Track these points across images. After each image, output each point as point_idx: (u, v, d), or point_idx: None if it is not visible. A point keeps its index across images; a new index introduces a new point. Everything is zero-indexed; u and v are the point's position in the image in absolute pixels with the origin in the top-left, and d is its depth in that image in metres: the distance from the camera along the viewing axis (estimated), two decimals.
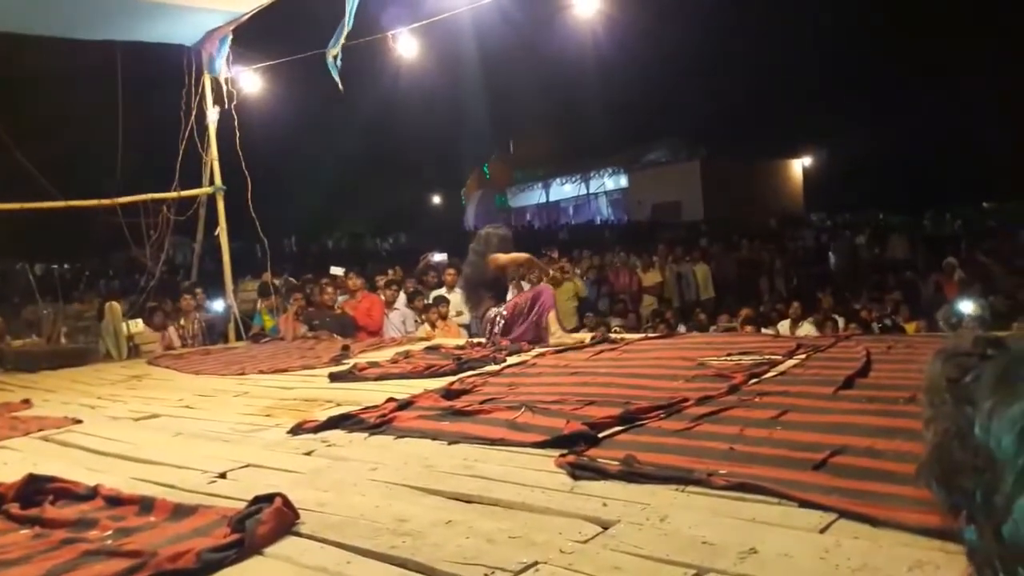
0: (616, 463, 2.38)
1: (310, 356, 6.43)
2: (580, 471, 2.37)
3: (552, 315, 6.03)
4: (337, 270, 9.79)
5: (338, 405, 3.95)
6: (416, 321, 8.84)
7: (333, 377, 5.04)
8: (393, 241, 33.40)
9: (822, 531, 1.80)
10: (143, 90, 9.01)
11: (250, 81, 9.40)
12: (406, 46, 8.58)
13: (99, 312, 8.58)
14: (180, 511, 2.26)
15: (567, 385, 3.91)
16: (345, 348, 6.57)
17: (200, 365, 6.57)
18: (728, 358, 4.26)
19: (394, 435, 3.16)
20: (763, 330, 8.18)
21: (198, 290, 9.66)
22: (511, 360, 5.09)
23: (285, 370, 5.77)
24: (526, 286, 7.42)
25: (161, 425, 3.97)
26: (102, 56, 8.66)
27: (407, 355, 5.66)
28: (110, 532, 2.17)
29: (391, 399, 3.75)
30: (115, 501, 2.42)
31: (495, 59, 27.54)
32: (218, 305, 10.14)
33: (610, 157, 36.49)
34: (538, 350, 5.45)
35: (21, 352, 7.81)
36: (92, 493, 2.49)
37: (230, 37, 8.75)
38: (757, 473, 2.17)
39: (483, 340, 6.22)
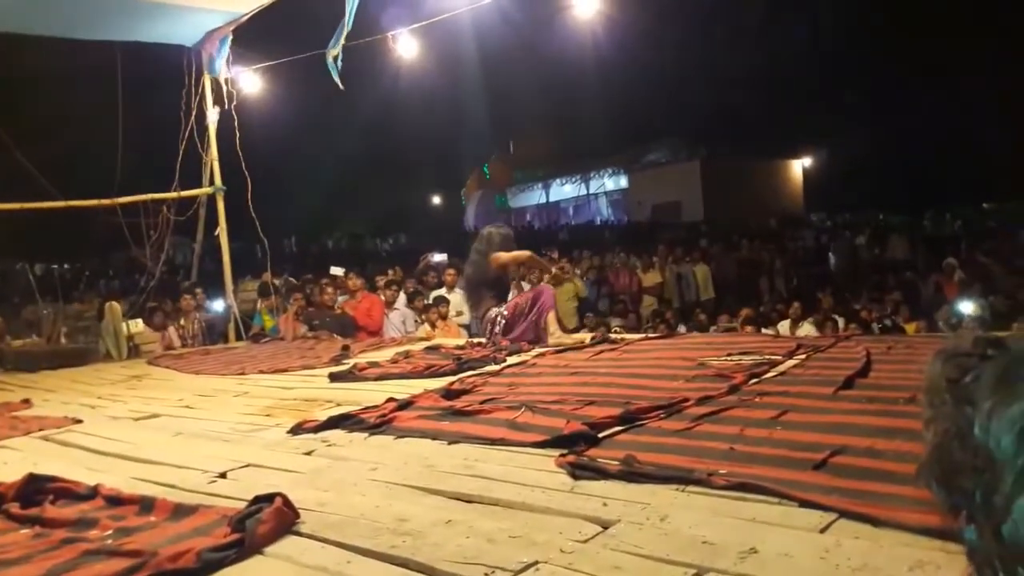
0: (616, 463, 2.38)
1: (310, 356, 6.44)
2: (580, 471, 2.37)
3: (551, 315, 6.03)
4: (337, 270, 9.80)
5: (338, 405, 3.95)
6: (416, 321, 8.84)
7: (333, 377, 5.04)
8: (393, 241, 33.40)
9: (822, 531, 1.80)
10: (143, 90, 9.01)
11: (250, 81, 9.41)
12: (406, 47, 8.59)
13: (99, 312, 8.58)
14: (180, 511, 2.26)
15: (567, 385, 3.91)
16: (345, 348, 6.57)
17: (200, 365, 6.57)
18: (728, 358, 4.26)
19: (394, 435, 3.16)
20: (763, 330, 8.18)
21: (198, 290, 9.67)
22: (511, 360, 5.09)
23: (285, 370, 5.77)
24: (526, 286, 7.43)
25: (161, 425, 3.97)
26: (102, 56, 8.67)
27: (407, 355, 5.66)
28: (110, 532, 2.17)
29: (391, 399, 3.75)
30: (115, 501, 2.42)
31: (495, 59, 27.57)
32: (218, 305, 10.14)
33: (610, 157, 36.51)
34: (538, 350, 5.45)
35: (21, 352, 7.81)
36: (92, 493, 2.49)
37: (230, 37, 8.75)
38: (757, 473, 2.17)
39: (483, 340, 6.22)
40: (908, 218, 22.59)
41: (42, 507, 2.40)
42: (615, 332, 7.06)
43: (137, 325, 8.31)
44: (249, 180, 8.83)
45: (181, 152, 8.86)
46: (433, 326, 8.26)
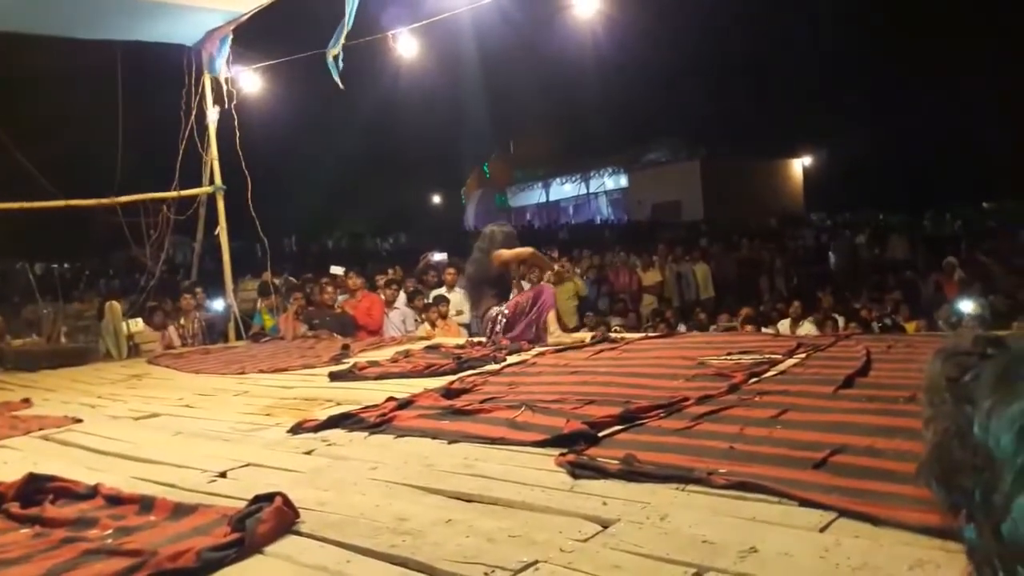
0: (616, 462, 2.38)
1: (310, 355, 6.44)
2: (580, 470, 2.37)
3: (552, 315, 6.03)
4: (337, 269, 9.80)
5: (338, 404, 3.95)
6: (416, 320, 8.85)
7: (333, 376, 5.04)
8: (393, 241, 33.41)
9: (822, 530, 1.80)
10: (143, 90, 9.01)
11: (250, 81, 9.41)
12: (406, 46, 8.58)
13: (99, 311, 8.59)
14: (180, 510, 2.26)
15: (567, 384, 3.91)
16: (345, 347, 6.57)
17: (200, 364, 6.57)
18: (728, 357, 4.26)
19: (394, 434, 3.16)
20: (763, 329, 8.18)
21: (198, 289, 9.67)
22: (511, 359, 5.09)
23: (285, 369, 5.77)
24: (526, 285, 7.43)
25: (161, 424, 3.97)
26: (102, 56, 8.66)
27: (407, 354, 5.66)
28: (110, 531, 2.17)
29: (391, 398, 3.75)
30: (115, 500, 2.42)
31: (495, 59, 27.56)
32: (218, 304, 10.14)
33: (610, 157, 36.52)
34: (538, 349, 5.45)
35: (21, 351, 7.81)
36: (92, 492, 2.49)
37: (230, 37, 8.75)
38: (757, 472, 2.17)
39: (483, 339, 6.22)
40: (908, 217, 22.60)
41: (42, 507, 2.40)
42: (615, 331, 7.06)
43: (137, 324, 8.32)
44: (249, 179, 8.83)
45: (181, 151, 8.86)
46: (433, 325, 8.26)
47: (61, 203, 8.41)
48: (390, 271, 11.09)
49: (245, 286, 10.66)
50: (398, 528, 2.02)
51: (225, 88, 8.91)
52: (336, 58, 7.83)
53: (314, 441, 3.18)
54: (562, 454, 2.55)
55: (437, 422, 3.24)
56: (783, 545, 1.71)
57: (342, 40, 7.64)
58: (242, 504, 2.18)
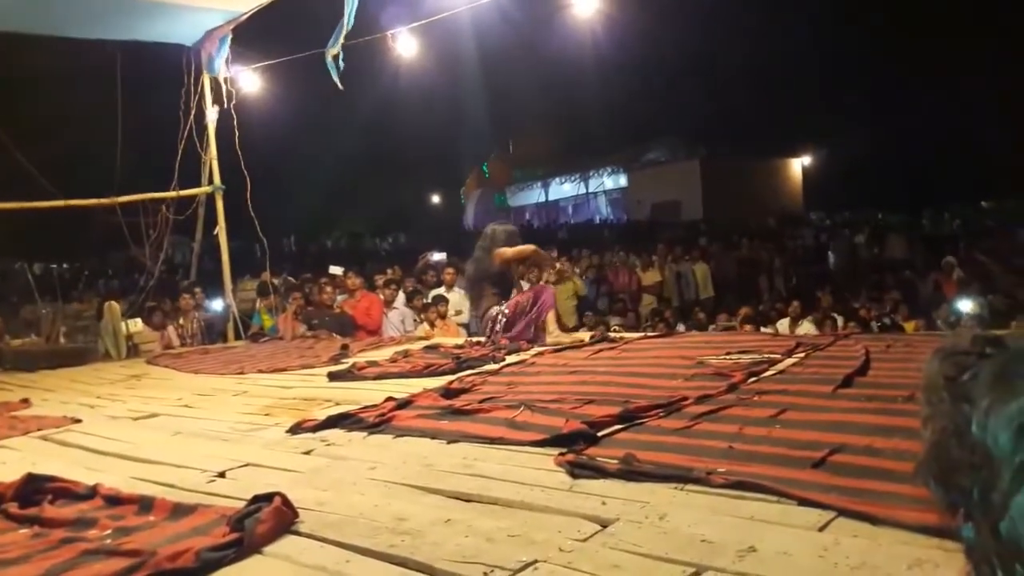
0: (615, 462, 2.39)
1: (309, 355, 6.43)
2: (579, 470, 2.37)
3: (551, 315, 6.04)
4: (336, 269, 9.79)
5: (337, 404, 3.95)
6: (415, 320, 8.84)
7: (332, 376, 5.04)
8: (392, 240, 33.37)
9: (821, 529, 1.80)
10: (142, 89, 9.00)
11: (249, 81, 9.40)
12: (405, 45, 8.58)
13: (98, 311, 8.58)
14: (179, 510, 2.26)
15: (566, 384, 3.92)
16: (344, 347, 6.57)
17: (199, 364, 6.57)
18: (727, 357, 4.26)
19: (393, 434, 3.16)
20: (762, 329, 8.19)
21: (197, 289, 9.66)
22: (510, 359, 5.09)
23: (284, 369, 5.77)
24: (525, 285, 7.43)
25: (160, 424, 3.97)
26: (101, 56, 8.66)
27: (406, 354, 5.66)
28: (109, 531, 2.16)
29: (390, 398, 3.75)
30: (114, 500, 2.42)
31: (494, 58, 27.52)
32: (217, 304, 10.13)
33: (609, 156, 36.50)
34: (537, 349, 5.46)
35: (20, 351, 7.80)
36: (91, 492, 2.49)
37: (229, 36, 8.75)
38: (756, 471, 2.17)
39: (482, 339, 6.22)
40: (907, 217, 22.60)
41: (41, 507, 2.40)
42: (614, 331, 7.06)
43: (136, 324, 8.32)
44: (248, 179, 8.82)
45: (180, 151, 8.86)
46: (432, 325, 8.26)
47: (60, 203, 8.40)
48: (389, 271, 11.09)
49: (244, 286, 10.65)
50: (397, 528, 2.02)
51: (224, 88, 8.90)
52: (336, 58, 7.83)
53: (313, 441, 3.18)
54: (561, 454, 2.55)
55: (436, 422, 3.24)
56: (782, 544, 1.71)
57: (341, 40, 7.64)
58: (241, 504, 2.18)
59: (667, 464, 2.35)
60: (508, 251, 6.26)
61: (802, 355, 4.18)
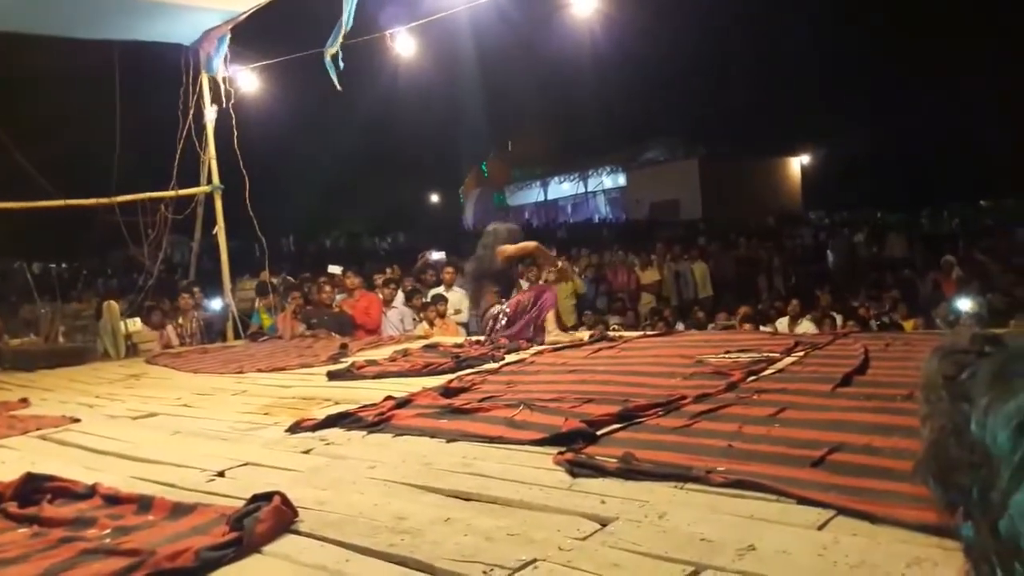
0: (614, 460, 2.39)
1: (308, 355, 6.43)
2: (578, 468, 2.37)
3: (551, 315, 6.05)
4: (335, 269, 9.79)
5: (336, 403, 3.95)
6: (414, 319, 8.84)
7: (331, 375, 5.04)
8: (391, 240, 33.37)
9: (820, 528, 1.80)
10: (141, 89, 9.00)
11: (248, 80, 9.40)
12: (404, 45, 8.57)
13: (97, 311, 8.57)
14: (178, 510, 2.26)
15: (565, 383, 3.92)
16: (343, 346, 6.57)
17: (198, 364, 6.57)
18: (726, 356, 4.26)
19: (392, 433, 3.16)
20: (761, 328, 8.18)
21: (196, 289, 9.66)
22: (509, 358, 5.09)
23: (283, 369, 5.77)
24: (525, 285, 7.43)
25: (159, 424, 3.97)
26: (100, 55, 8.66)
27: (405, 353, 5.66)
28: (108, 531, 2.16)
29: (389, 397, 3.75)
30: (113, 500, 2.42)
31: (493, 58, 27.56)
32: (216, 304, 10.13)
33: (608, 155, 36.50)
34: (536, 348, 5.46)
35: (19, 351, 7.80)
36: (90, 492, 2.49)
37: (228, 36, 8.74)
38: (755, 470, 2.17)
39: (482, 338, 6.22)
40: (906, 216, 22.62)
41: (40, 506, 2.40)
42: (613, 330, 7.06)
43: (135, 324, 8.31)
44: (247, 179, 8.82)
45: (179, 151, 8.86)
46: (431, 324, 8.26)
47: (59, 203, 8.39)
48: (388, 270, 11.08)
49: (243, 285, 10.65)
50: (397, 527, 2.02)
51: (223, 87, 8.89)
52: (335, 57, 7.82)
53: (312, 440, 3.18)
54: (560, 452, 2.55)
55: (435, 421, 3.24)
56: (781, 543, 1.71)
57: (340, 39, 7.63)
58: (240, 503, 2.18)
59: (666, 463, 2.35)
60: (510, 248, 6.27)
61: (801, 354, 4.19)
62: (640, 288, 13.01)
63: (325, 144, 31.18)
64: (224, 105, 8.87)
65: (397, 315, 8.88)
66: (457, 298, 8.89)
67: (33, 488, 2.52)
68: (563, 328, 6.45)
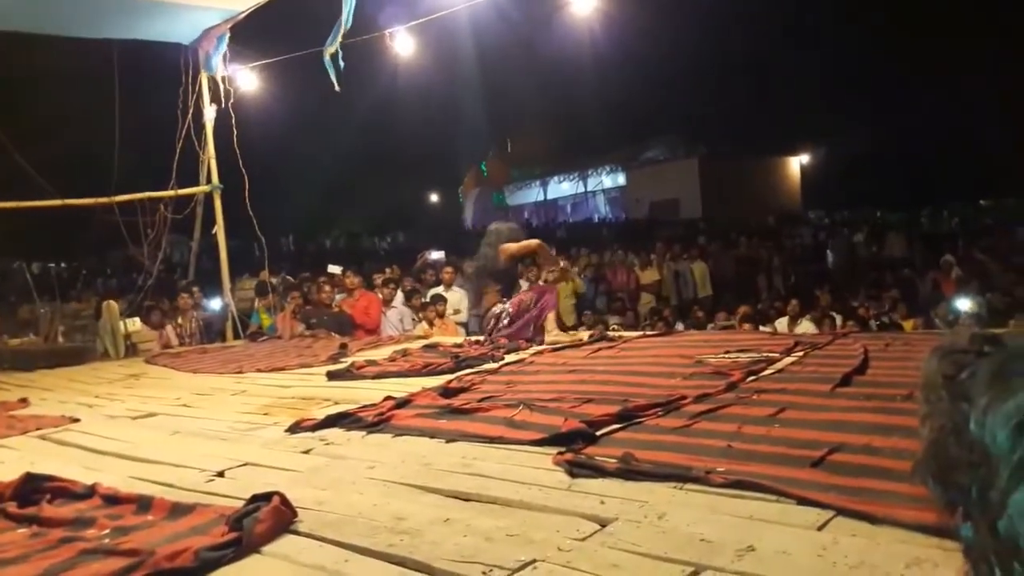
0: (614, 461, 2.39)
1: (308, 355, 6.43)
2: (578, 469, 2.37)
3: (551, 315, 6.07)
4: (335, 268, 9.78)
5: (336, 403, 3.95)
6: (414, 319, 8.84)
7: (331, 375, 5.05)
8: (391, 240, 33.36)
9: (820, 528, 1.80)
10: (140, 89, 9.00)
11: (247, 79, 9.39)
12: (403, 44, 8.57)
13: (96, 311, 8.57)
14: (178, 510, 2.26)
15: (565, 383, 3.92)
16: (343, 346, 6.57)
17: (198, 364, 6.57)
18: (726, 356, 4.26)
19: (392, 433, 3.16)
20: (761, 328, 8.18)
21: (195, 289, 9.66)
22: (509, 358, 5.09)
23: (283, 368, 5.77)
24: (524, 285, 7.44)
25: (159, 424, 3.97)
26: (99, 55, 8.66)
27: (405, 353, 5.66)
28: (108, 531, 2.16)
29: (389, 397, 3.75)
30: (113, 500, 2.42)
31: (492, 57, 27.55)
32: (215, 304, 10.13)
33: (608, 155, 36.48)
34: (536, 348, 5.46)
35: (18, 351, 7.80)
36: (90, 492, 2.49)
37: (227, 35, 8.73)
38: (755, 471, 2.17)
39: (481, 338, 6.23)
40: (906, 215, 22.62)
41: (39, 506, 2.40)
42: (613, 330, 7.06)
43: (134, 324, 8.31)
44: (246, 178, 8.82)
45: (178, 150, 8.85)
46: (431, 324, 8.25)
47: (58, 202, 8.40)
48: (387, 270, 11.07)
49: (242, 285, 10.65)
50: (396, 527, 2.02)
51: (222, 87, 8.89)
52: (335, 57, 7.81)
53: (312, 440, 3.18)
54: (560, 453, 2.55)
55: (435, 421, 3.24)
56: (781, 543, 1.71)
57: (339, 39, 7.63)
58: (240, 503, 2.18)
59: (666, 463, 2.35)
60: (513, 246, 6.29)
61: (801, 354, 4.19)
62: (640, 288, 13.00)
63: (325, 143, 31.18)
64: (223, 104, 8.87)
65: (396, 315, 8.88)
66: (456, 298, 8.89)
67: (32, 488, 2.52)
68: (563, 328, 6.46)
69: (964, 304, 8.92)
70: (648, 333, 6.47)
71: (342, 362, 5.69)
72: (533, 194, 41.56)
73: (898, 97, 32.34)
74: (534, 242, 6.56)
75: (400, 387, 4.24)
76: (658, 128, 35.53)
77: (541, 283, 6.97)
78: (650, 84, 35.37)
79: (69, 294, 11.60)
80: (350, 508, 2.21)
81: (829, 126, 30.99)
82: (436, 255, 13.58)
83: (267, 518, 2.02)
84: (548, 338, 5.84)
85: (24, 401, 4.98)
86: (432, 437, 3.02)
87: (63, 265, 19.65)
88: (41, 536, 2.16)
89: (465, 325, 8.68)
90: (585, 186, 38.66)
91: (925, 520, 1.61)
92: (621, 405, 3.13)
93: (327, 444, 3.09)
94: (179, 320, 9.06)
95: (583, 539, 1.85)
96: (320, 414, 3.58)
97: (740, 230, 17.89)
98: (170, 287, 10.53)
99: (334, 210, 37.98)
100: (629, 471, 2.29)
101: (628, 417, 2.98)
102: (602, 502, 2.09)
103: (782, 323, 8.80)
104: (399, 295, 9.15)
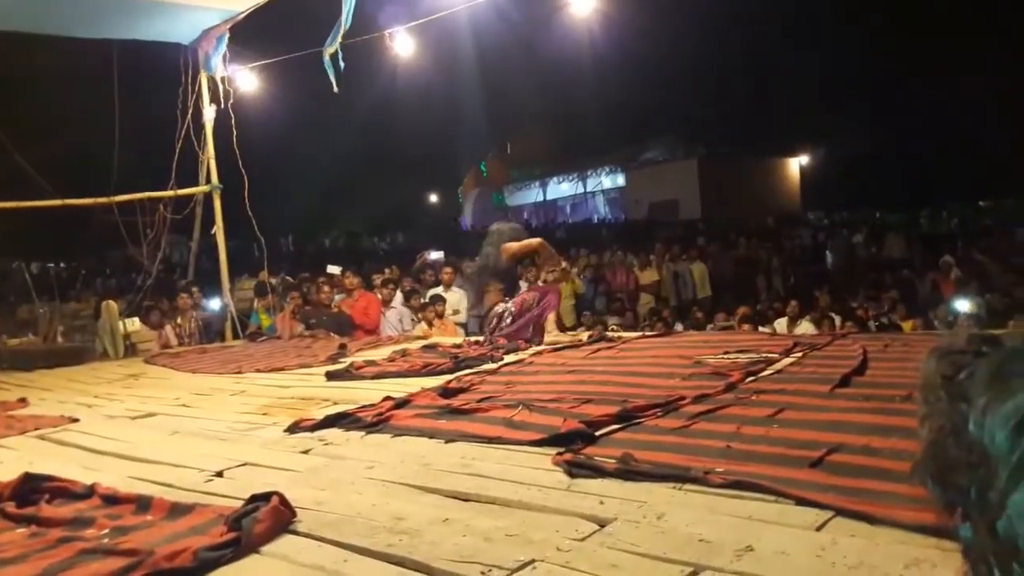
0: (613, 461, 2.39)
1: (307, 355, 6.43)
2: (577, 469, 2.37)
3: (551, 315, 6.08)
4: (334, 269, 9.78)
5: (335, 404, 3.95)
6: (413, 320, 8.84)
7: (330, 376, 5.04)
8: (390, 240, 33.36)
9: (818, 529, 1.80)
10: (139, 89, 8.99)
11: (246, 80, 9.39)
12: (403, 45, 8.57)
13: (96, 311, 8.57)
14: (177, 510, 2.25)
15: (564, 383, 3.92)
16: (342, 347, 6.56)
17: (197, 364, 6.56)
18: (725, 356, 4.26)
19: (391, 433, 3.16)
20: (760, 328, 8.19)
21: (195, 289, 9.66)
22: (508, 359, 5.09)
23: (282, 369, 5.77)
24: (524, 286, 7.45)
25: (158, 424, 3.97)
26: (99, 55, 8.66)
27: (404, 354, 5.66)
28: (107, 531, 2.16)
29: (388, 397, 3.75)
30: (112, 500, 2.42)
31: (492, 57, 27.57)
32: (215, 304, 10.13)
33: (607, 155, 36.50)
34: (535, 349, 5.46)
35: (17, 351, 7.79)
36: (89, 492, 2.49)
37: (227, 35, 8.73)
38: (754, 471, 2.17)
39: (480, 339, 6.23)
40: (905, 216, 22.63)
41: (38, 506, 2.40)
42: (612, 330, 7.06)
43: (134, 324, 8.31)
44: (246, 178, 8.82)
45: (178, 150, 8.85)
46: (430, 324, 8.25)
47: (58, 202, 8.40)
48: (387, 270, 11.07)
49: (242, 285, 10.65)
50: (395, 527, 2.02)
51: (221, 87, 8.89)
52: (334, 57, 7.81)
53: (311, 440, 3.18)
54: (559, 453, 2.55)
55: (434, 421, 3.24)
56: (779, 544, 1.71)
57: (339, 39, 7.63)
58: (239, 503, 2.17)
59: (665, 464, 2.35)
60: (515, 245, 6.31)
61: (800, 355, 4.19)
62: (639, 288, 13.01)
63: (324, 144, 31.19)
64: (223, 105, 8.87)
65: (396, 315, 8.88)
66: (455, 298, 8.89)
67: (31, 488, 2.52)
68: (562, 329, 6.47)
69: (963, 305, 8.92)
70: (647, 334, 6.47)
71: (341, 362, 5.69)
72: (532, 195, 41.57)
73: (897, 98, 32.39)
74: (536, 241, 6.58)
75: (399, 387, 4.24)
76: (657, 129, 35.56)
77: (540, 283, 6.98)
78: (649, 85, 35.42)
79: (68, 294, 11.60)
80: (349, 508, 2.21)
81: (828, 127, 31.02)
82: (435, 255, 13.58)
83: (266, 518, 2.02)
84: (547, 338, 5.84)
85: (23, 401, 4.98)
86: (431, 437, 3.02)
87: (62, 265, 19.64)
88: (40, 536, 2.16)
89: (464, 325, 8.68)
90: (584, 187, 38.68)
91: (924, 520, 1.61)
92: (620, 405, 3.13)
93: (326, 444, 3.09)
94: (178, 320, 9.06)
95: (582, 539, 1.85)
96: (319, 414, 3.58)
97: (739, 231, 17.90)
98: (169, 287, 10.52)
99: (333, 210, 38.00)
100: (628, 471, 2.29)
101: (627, 417, 2.98)
102: (601, 502, 2.09)
103: (781, 324, 8.81)
104: (398, 295, 9.15)
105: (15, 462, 3.16)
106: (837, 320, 8.36)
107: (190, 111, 8.87)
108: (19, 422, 4.17)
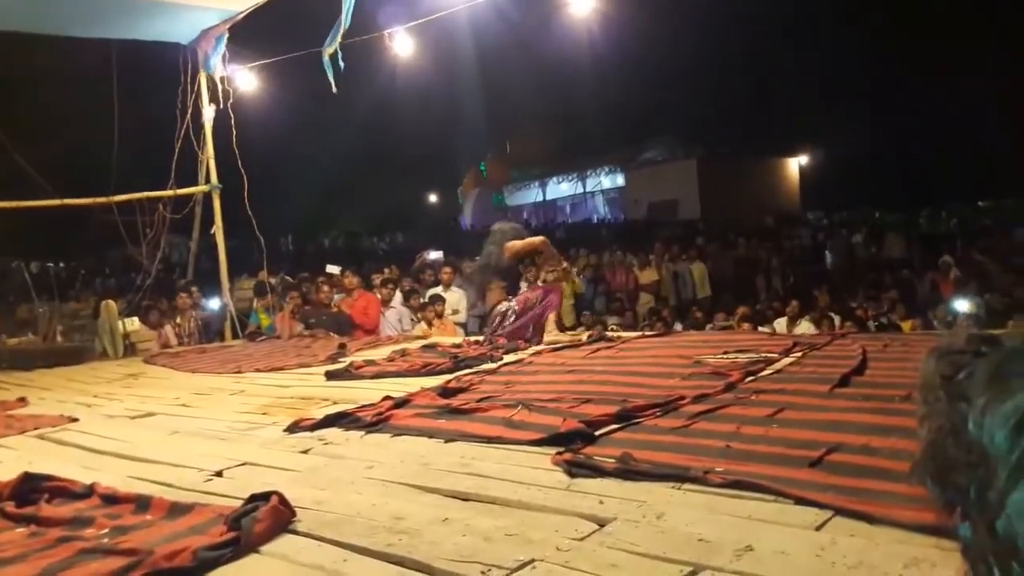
0: (612, 461, 2.39)
1: (306, 354, 6.43)
2: (577, 469, 2.37)
3: (551, 315, 6.09)
4: (333, 268, 9.77)
5: (335, 403, 3.95)
6: (412, 319, 8.84)
7: (330, 375, 5.04)
8: (390, 240, 33.35)
9: (818, 528, 1.80)
10: (139, 89, 8.99)
11: (246, 79, 9.39)
12: (402, 45, 8.57)
13: (95, 310, 8.57)
14: (176, 509, 2.25)
15: (564, 383, 3.92)
16: (341, 346, 6.56)
17: (196, 363, 6.56)
18: (724, 356, 4.26)
19: (391, 433, 3.16)
20: (759, 328, 8.19)
21: (194, 288, 9.66)
22: (508, 358, 5.09)
23: (281, 368, 5.77)
24: (524, 286, 7.46)
25: (157, 423, 3.97)
26: (99, 55, 8.66)
27: (404, 353, 5.66)
28: (106, 530, 2.16)
29: (388, 397, 3.75)
30: (111, 499, 2.42)
31: (491, 58, 27.56)
32: (214, 303, 10.13)
33: (607, 155, 36.47)
34: (534, 348, 5.46)
35: (17, 350, 7.79)
36: (88, 491, 2.49)
37: (226, 35, 8.74)
38: (753, 471, 2.18)
39: (480, 338, 6.23)
40: (904, 216, 22.62)
41: (38, 506, 2.40)
42: (612, 330, 7.07)
43: (133, 323, 8.30)
44: (245, 178, 8.82)
45: (177, 150, 8.85)
46: (430, 324, 8.25)
47: (57, 202, 8.39)
48: (386, 270, 11.07)
49: (241, 285, 10.64)
50: (395, 527, 2.02)
51: (221, 87, 8.89)
52: (334, 57, 7.81)
53: (311, 440, 3.18)
54: (559, 453, 2.55)
55: (434, 421, 3.24)
56: (779, 543, 1.71)
57: (338, 39, 7.62)
58: (238, 503, 2.17)
59: (664, 463, 2.35)
60: (517, 244, 6.34)
61: (799, 354, 4.19)
62: (638, 288, 13.01)
63: (324, 143, 31.17)
64: (222, 104, 8.87)
65: (395, 315, 8.87)
66: (455, 298, 8.89)
67: (31, 488, 2.52)
68: (562, 328, 6.47)
69: (962, 305, 8.93)
70: (647, 333, 6.48)
71: (341, 362, 5.69)
72: (532, 195, 41.55)
73: (897, 98, 32.36)
74: (539, 239, 6.60)
75: (399, 387, 4.24)
76: (657, 129, 35.53)
77: (540, 283, 6.98)
78: (649, 85, 35.40)
79: (68, 294, 11.60)
80: (349, 508, 2.21)
81: (828, 127, 31.01)
82: (435, 255, 13.58)
83: (265, 518, 2.02)
84: (547, 338, 5.84)
85: (22, 400, 4.98)
86: (431, 437, 3.02)
87: (62, 265, 19.65)
88: (39, 535, 2.16)
89: (464, 325, 8.68)
90: (584, 187, 38.66)
91: (923, 520, 1.61)
92: (620, 405, 3.13)
93: (326, 444, 3.09)
94: (178, 320, 9.05)
95: (582, 539, 1.85)
96: (319, 414, 3.58)
97: (739, 231, 17.89)
98: (169, 287, 10.52)
99: (333, 210, 37.99)
100: (628, 471, 2.29)
101: (627, 417, 2.98)
102: (601, 502, 2.09)
103: (781, 324, 8.81)
104: (398, 295, 9.15)
105: (14, 462, 3.15)
106: (836, 320, 8.36)
107: (189, 111, 8.86)
108: (18, 421, 4.17)
